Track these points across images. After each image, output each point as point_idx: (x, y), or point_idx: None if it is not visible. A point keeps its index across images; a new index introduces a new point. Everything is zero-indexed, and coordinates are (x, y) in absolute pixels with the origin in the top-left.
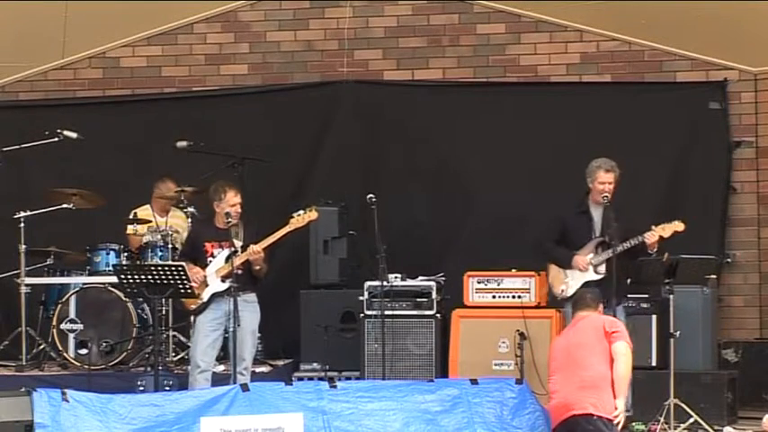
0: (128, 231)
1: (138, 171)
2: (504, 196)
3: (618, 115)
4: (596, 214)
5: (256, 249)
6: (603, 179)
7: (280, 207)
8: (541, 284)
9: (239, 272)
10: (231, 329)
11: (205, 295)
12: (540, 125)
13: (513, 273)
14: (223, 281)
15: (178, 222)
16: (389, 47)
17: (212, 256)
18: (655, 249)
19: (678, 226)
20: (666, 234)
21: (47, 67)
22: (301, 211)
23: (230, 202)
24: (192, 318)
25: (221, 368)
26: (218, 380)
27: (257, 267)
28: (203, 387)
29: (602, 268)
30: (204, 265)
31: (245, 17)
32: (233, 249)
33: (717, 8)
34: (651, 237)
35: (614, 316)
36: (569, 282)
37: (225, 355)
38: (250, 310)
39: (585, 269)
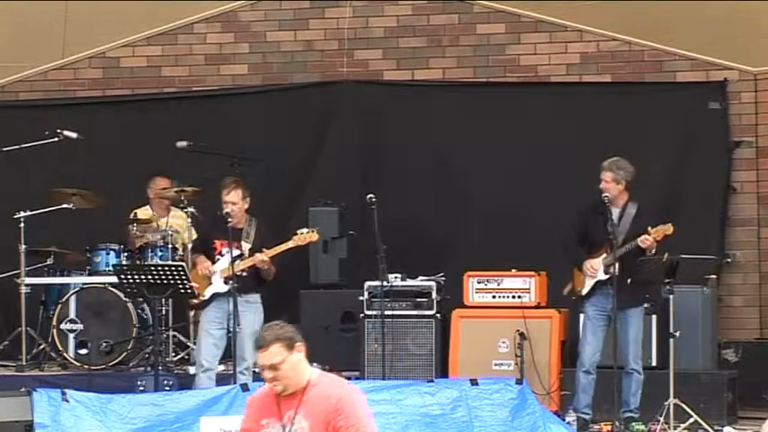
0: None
1: (138, 171)
2: (504, 196)
3: (618, 115)
4: (614, 213)
5: (263, 258)
6: (601, 177)
7: (279, 207)
8: (541, 284)
9: (244, 274)
10: (238, 329)
11: (207, 293)
12: (540, 125)
13: (513, 273)
14: (226, 282)
15: (178, 222)
16: (389, 47)
17: (220, 254)
18: (653, 251)
19: (668, 229)
20: (658, 237)
21: (47, 67)
22: (305, 230)
23: (223, 199)
24: (191, 314)
25: (221, 368)
26: (218, 379)
27: (265, 269)
28: (207, 386)
29: (616, 268)
30: (213, 262)
31: (245, 17)
32: (239, 252)
33: (717, 8)
34: (644, 241)
35: (623, 322)
36: (585, 281)
37: (226, 354)
38: (252, 310)
39: (592, 274)
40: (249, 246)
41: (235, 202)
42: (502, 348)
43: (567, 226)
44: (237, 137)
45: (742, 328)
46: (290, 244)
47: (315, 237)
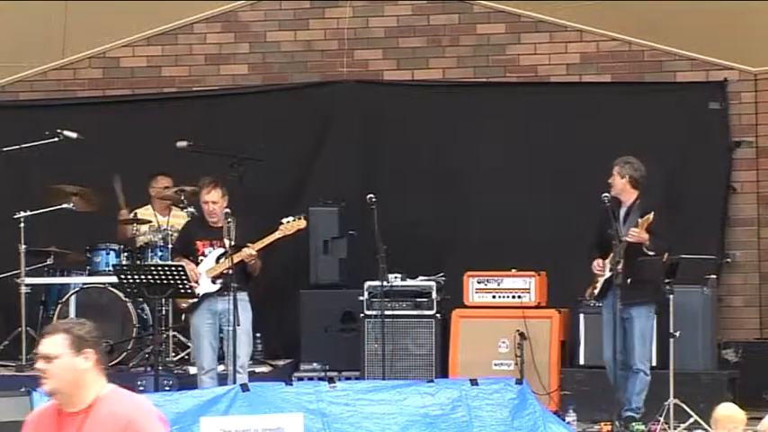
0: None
1: (138, 171)
2: (503, 196)
3: (618, 115)
4: (622, 213)
5: (251, 252)
6: (611, 172)
7: (279, 207)
8: (541, 284)
9: (230, 271)
10: (230, 328)
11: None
12: (540, 125)
13: (513, 273)
14: (214, 281)
15: (179, 222)
16: (389, 47)
17: (203, 254)
18: (647, 243)
19: (648, 219)
20: (644, 228)
21: (47, 67)
22: (291, 219)
23: (203, 199)
24: (183, 317)
25: (221, 368)
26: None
27: (252, 263)
28: (210, 386)
29: (621, 266)
30: (196, 264)
31: (245, 17)
32: (224, 250)
33: (717, 8)
34: (631, 236)
35: (627, 320)
36: (598, 283)
37: (222, 354)
38: (241, 308)
39: (599, 272)
40: (232, 243)
41: (215, 200)
42: (502, 348)
43: (592, 230)
44: (237, 137)
45: (742, 328)
46: (278, 234)
47: (302, 224)
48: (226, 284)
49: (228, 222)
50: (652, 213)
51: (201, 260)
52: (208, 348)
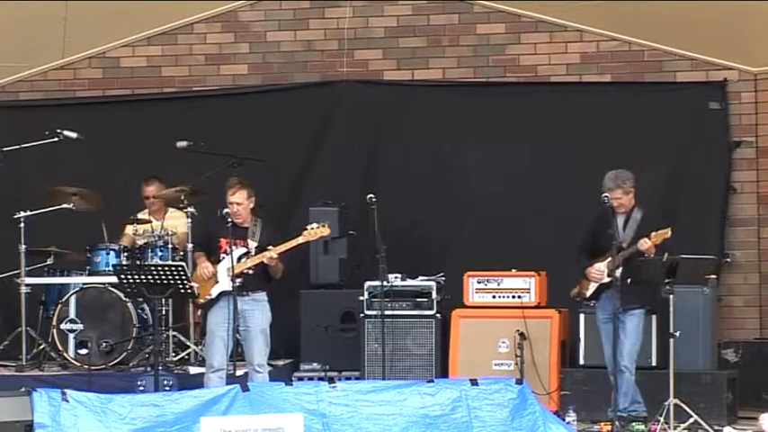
0: (126, 231)
1: (138, 171)
2: (504, 196)
3: (618, 115)
4: (620, 220)
5: (272, 255)
6: (610, 196)
7: (280, 207)
8: (541, 284)
9: (251, 272)
10: (246, 329)
11: (214, 292)
12: (540, 125)
13: (513, 273)
14: (233, 280)
15: (176, 223)
16: (389, 47)
17: (226, 253)
18: (651, 254)
19: (666, 233)
20: (657, 242)
21: (47, 67)
22: (315, 225)
23: (228, 200)
24: (198, 313)
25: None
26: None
27: (273, 266)
28: (218, 385)
29: (619, 272)
30: (217, 261)
31: (245, 17)
32: (246, 250)
33: (717, 8)
34: (643, 245)
35: (621, 322)
36: (590, 285)
37: (239, 354)
38: (260, 309)
39: (597, 278)
40: (255, 244)
41: (240, 202)
42: (502, 348)
43: (583, 233)
44: (237, 137)
45: (742, 328)
46: (301, 239)
47: (326, 231)
48: (245, 284)
49: (254, 223)
50: (669, 229)
51: (224, 258)
52: (220, 347)
